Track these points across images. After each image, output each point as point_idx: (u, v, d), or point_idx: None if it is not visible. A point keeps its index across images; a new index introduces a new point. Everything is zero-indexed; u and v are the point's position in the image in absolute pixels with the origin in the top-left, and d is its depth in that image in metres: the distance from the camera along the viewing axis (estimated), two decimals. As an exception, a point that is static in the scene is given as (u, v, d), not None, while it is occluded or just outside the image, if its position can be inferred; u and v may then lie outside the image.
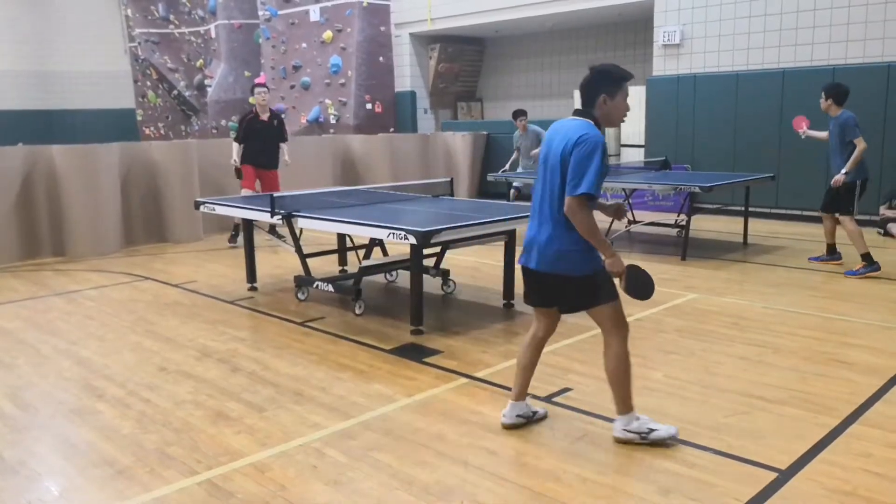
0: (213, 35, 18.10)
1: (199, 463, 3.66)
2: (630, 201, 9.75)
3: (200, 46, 19.30)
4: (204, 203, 7.54)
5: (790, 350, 5.25)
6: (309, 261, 6.98)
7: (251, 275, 7.48)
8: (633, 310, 6.37)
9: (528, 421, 4.07)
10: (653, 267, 8.15)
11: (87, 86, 22.69)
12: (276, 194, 6.65)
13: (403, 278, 7.46)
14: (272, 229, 9.06)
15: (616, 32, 15.58)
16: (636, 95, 13.92)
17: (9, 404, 4.53)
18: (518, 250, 6.73)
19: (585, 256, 3.70)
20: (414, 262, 5.73)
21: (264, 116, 9.63)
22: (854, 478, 3.40)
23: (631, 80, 3.85)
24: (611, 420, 4.04)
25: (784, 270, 7.88)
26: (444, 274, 7.17)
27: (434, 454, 3.72)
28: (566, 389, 4.55)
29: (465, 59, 17.59)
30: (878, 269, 7.55)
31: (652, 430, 3.76)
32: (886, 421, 4.02)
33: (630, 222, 9.97)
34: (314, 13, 15.54)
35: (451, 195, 7.89)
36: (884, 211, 10.40)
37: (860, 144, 7.50)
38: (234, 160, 9.66)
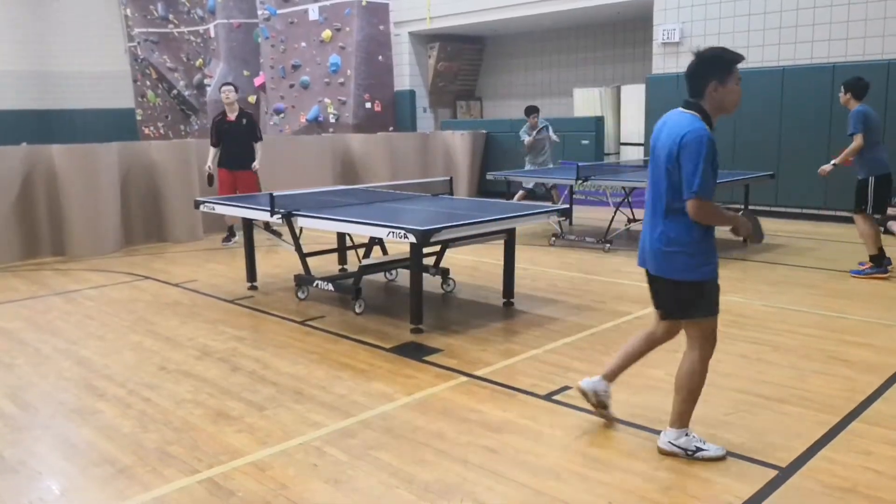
0: (213, 34, 18.10)
1: (200, 462, 3.66)
2: (630, 200, 9.74)
3: (200, 46, 19.30)
4: (204, 202, 7.54)
5: (790, 348, 5.26)
6: (309, 260, 6.99)
7: (251, 274, 7.48)
8: (633, 308, 6.39)
9: (597, 406, 3.93)
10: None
11: (86, 86, 22.70)
12: (276, 193, 6.64)
13: (403, 277, 7.46)
14: (267, 226, 9.07)
15: (615, 31, 15.57)
16: (636, 93, 13.95)
17: (9, 404, 4.53)
18: (518, 248, 6.76)
19: (692, 261, 3.49)
20: (413, 261, 5.73)
21: (232, 116, 9.51)
22: (854, 475, 3.40)
23: (742, 62, 3.61)
24: (612, 418, 4.05)
25: (784, 268, 7.88)
26: (444, 273, 7.17)
27: (434, 452, 3.72)
28: (566, 388, 4.55)
29: (464, 57, 17.59)
30: (886, 272, 7.33)
31: (699, 450, 3.56)
32: (886, 419, 4.03)
33: (630, 220, 9.98)
34: (313, 12, 15.54)
35: (451, 194, 7.89)
36: (885, 209, 10.39)
37: (856, 141, 7.29)
38: (209, 166, 9.50)
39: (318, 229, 6.40)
